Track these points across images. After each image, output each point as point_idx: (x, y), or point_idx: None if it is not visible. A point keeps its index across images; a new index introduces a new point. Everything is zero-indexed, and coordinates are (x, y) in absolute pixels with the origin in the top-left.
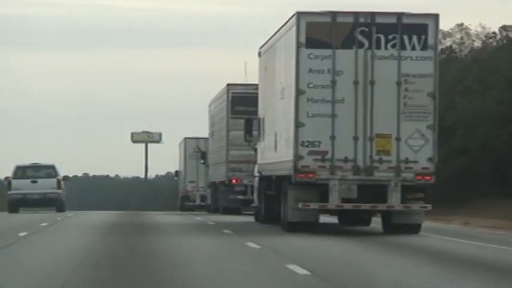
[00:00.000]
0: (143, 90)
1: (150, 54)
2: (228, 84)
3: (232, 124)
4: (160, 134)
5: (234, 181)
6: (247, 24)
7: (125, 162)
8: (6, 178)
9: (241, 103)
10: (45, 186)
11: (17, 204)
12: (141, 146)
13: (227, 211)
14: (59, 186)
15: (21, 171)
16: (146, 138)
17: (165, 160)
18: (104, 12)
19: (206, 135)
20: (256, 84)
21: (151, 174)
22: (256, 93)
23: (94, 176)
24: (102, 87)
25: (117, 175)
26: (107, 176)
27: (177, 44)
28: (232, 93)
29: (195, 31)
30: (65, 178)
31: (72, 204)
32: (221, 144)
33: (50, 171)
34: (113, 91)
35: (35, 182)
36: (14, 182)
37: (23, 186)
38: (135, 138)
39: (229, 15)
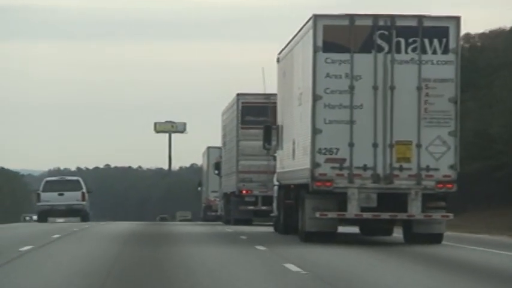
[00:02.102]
0: (167, 80)
1: (173, 45)
2: (238, 94)
3: (242, 134)
4: (184, 124)
5: (244, 192)
6: (275, 15)
7: (147, 153)
8: (35, 191)
9: (252, 113)
10: (71, 198)
11: (46, 214)
12: (165, 137)
13: (238, 222)
14: (83, 199)
15: (49, 185)
16: (170, 128)
17: (190, 151)
18: (129, 3)
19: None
20: (267, 94)
21: (175, 165)
22: (267, 103)
23: (116, 167)
24: (125, 77)
25: (139, 166)
26: (129, 167)
27: (202, 36)
28: (243, 103)
29: (220, 22)
30: (89, 191)
31: (91, 199)
32: (232, 154)
33: (75, 184)
34: (136, 81)
35: (61, 194)
36: (43, 195)
37: (50, 198)
38: (159, 128)
39: (257, 5)
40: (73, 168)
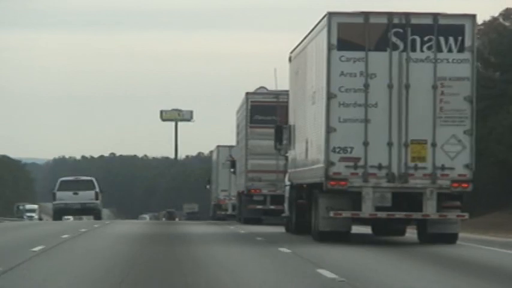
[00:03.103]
0: (174, 69)
1: (180, 35)
2: (247, 93)
3: (251, 133)
4: (191, 112)
5: (252, 191)
6: (286, 5)
7: (153, 142)
8: (51, 190)
9: (260, 112)
10: (85, 197)
11: (61, 212)
12: (171, 125)
13: (248, 221)
14: (96, 198)
15: (64, 185)
16: (176, 116)
17: (197, 140)
18: None
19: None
20: (275, 93)
21: (182, 154)
22: (276, 102)
23: (121, 155)
24: (132, 67)
25: (145, 155)
26: (135, 156)
27: (209, 25)
28: (252, 102)
29: (228, 12)
30: (102, 191)
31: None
32: (242, 153)
33: (89, 184)
34: (143, 70)
35: (76, 193)
36: (58, 194)
37: (65, 197)
38: (165, 116)
39: None
40: (78, 157)
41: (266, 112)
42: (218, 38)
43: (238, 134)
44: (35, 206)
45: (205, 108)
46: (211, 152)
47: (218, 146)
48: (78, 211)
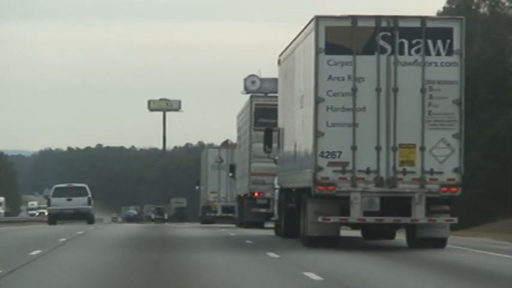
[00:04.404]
0: (162, 59)
1: (168, 26)
2: (252, 96)
3: (255, 136)
4: (179, 102)
5: (256, 194)
6: None
7: (141, 133)
8: (46, 196)
9: (265, 115)
10: (78, 203)
11: (55, 217)
12: (159, 115)
13: (250, 225)
14: (89, 203)
15: (59, 191)
16: (164, 106)
17: (185, 130)
18: None
19: (226, 140)
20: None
21: (170, 145)
22: None
23: (108, 147)
24: (119, 57)
25: (133, 146)
26: (122, 147)
27: (195, 17)
28: (256, 104)
29: (216, 3)
30: (94, 196)
31: (83, 180)
32: (245, 156)
33: (82, 190)
34: (130, 61)
35: (69, 199)
36: (53, 200)
37: (60, 203)
38: (153, 106)
39: None
40: (64, 149)
41: (270, 115)
42: (207, 29)
43: (240, 137)
44: (1, 199)
45: (193, 98)
46: (199, 143)
47: (208, 147)
48: (72, 216)
